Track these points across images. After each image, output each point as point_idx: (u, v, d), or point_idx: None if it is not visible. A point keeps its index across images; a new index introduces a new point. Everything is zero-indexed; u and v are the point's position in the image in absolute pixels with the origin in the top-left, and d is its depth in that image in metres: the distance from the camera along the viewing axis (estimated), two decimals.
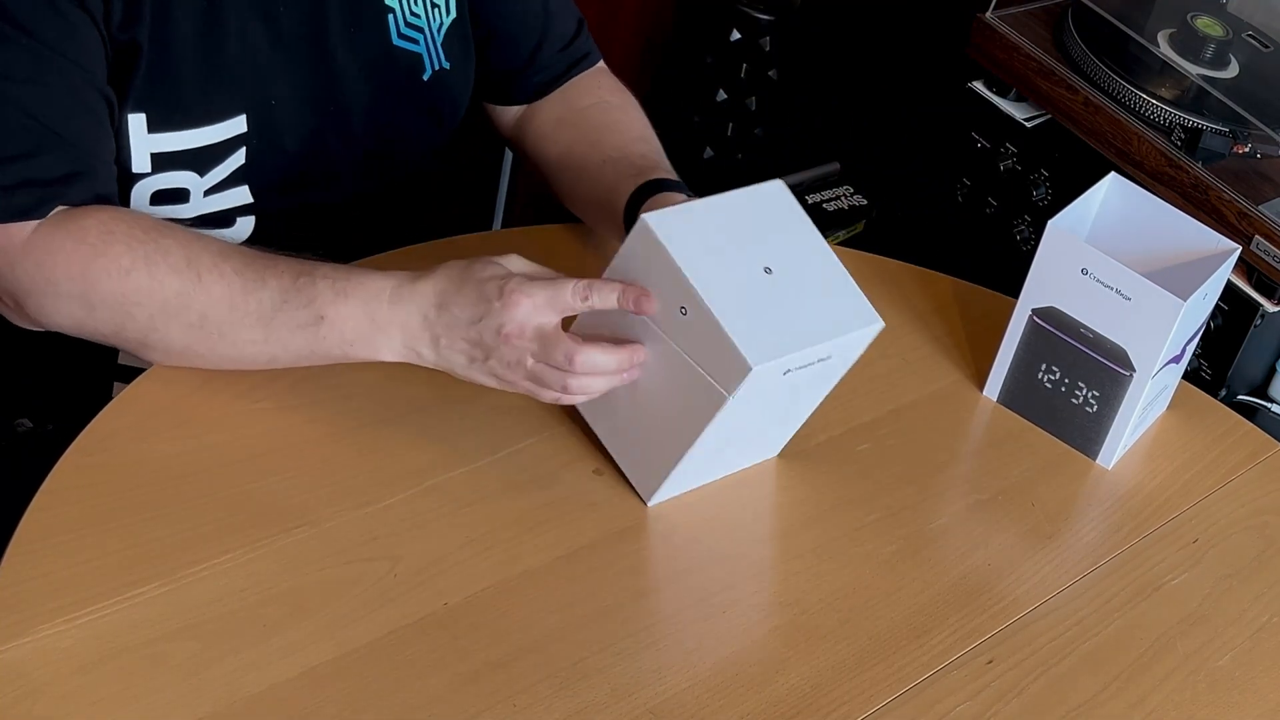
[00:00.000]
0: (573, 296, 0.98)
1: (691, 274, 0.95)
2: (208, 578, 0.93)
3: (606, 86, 1.30)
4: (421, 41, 1.19)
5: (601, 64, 1.32)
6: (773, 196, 1.02)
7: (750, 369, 0.93)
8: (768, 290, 0.97)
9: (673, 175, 1.17)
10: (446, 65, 1.22)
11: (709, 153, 2.36)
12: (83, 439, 1.00)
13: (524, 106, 1.30)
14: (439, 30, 1.21)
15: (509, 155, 1.77)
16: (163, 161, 1.07)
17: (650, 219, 0.95)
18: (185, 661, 0.89)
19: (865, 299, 1.01)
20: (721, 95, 2.32)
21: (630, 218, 1.13)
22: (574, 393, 1.00)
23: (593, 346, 0.98)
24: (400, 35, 1.18)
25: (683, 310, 0.96)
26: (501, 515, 1.02)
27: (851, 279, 1.01)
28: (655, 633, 0.97)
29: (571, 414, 1.10)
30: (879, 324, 1.01)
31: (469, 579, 0.97)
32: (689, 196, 1.13)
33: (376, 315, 1.00)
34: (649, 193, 1.13)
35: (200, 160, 1.09)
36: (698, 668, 0.95)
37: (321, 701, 0.88)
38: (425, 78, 1.21)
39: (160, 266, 0.99)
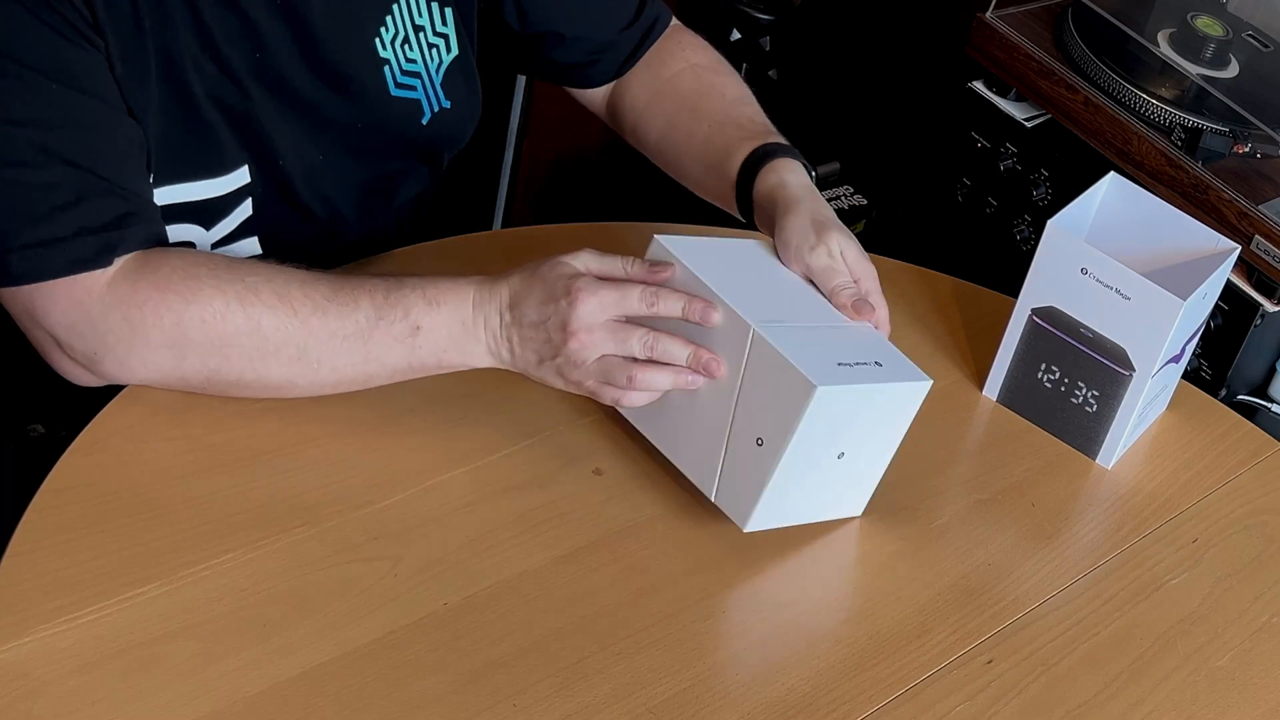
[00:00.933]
0: (640, 301, 0.99)
1: (793, 447, 0.96)
2: (208, 578, 0.93)
3: (690, 46, 1.28)
4: (419, 86, 1.18)
5: (676, 23, 1.30)
6: (914, 394, 1.02)
7: (743, 528, 1.00)
8: (822, 474, 1.01)
9: (781, 139, 1.16)
10: (446, 105, 1.20)
11: None
12: (83, 439, 1.00)
13: (610, 85, 1.29)
14: (438, 70, 1.19)
15: (509, 155, 1.77)
16: (168, 214, 1.06)
17: (821, 393, 0.94)
18: (185, 661, 0.89)
19: (874, 488, 1.06)
20: None
21: (744, 187, 1.14)
22: (639, 387, 1.00)
23: (668, 336, 0.99)
24: (397, 85, 1.16)
25: (759, 441, 0.97)
26: (501, 515, 1.02)
27: (882, 472, 1.06)
28: (655, 633, 0.97)
29: (572, 415, 1.10)
30: (859, 513, 1.07)
31: (469, 579, 0.97)
32: (801, 162, 1.14)
33: (465, 320, 1.01)
34: (762, 160, 1.13)
35: (205, 213, 1.08)
36: (698, 668, 0.95)
37: (322, 701, 0.88)
38: (424, 121, 1.19)
39: (255, 306, 0.98)
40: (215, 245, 1.11)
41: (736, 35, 2.27)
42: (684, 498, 1.06)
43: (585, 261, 1.01)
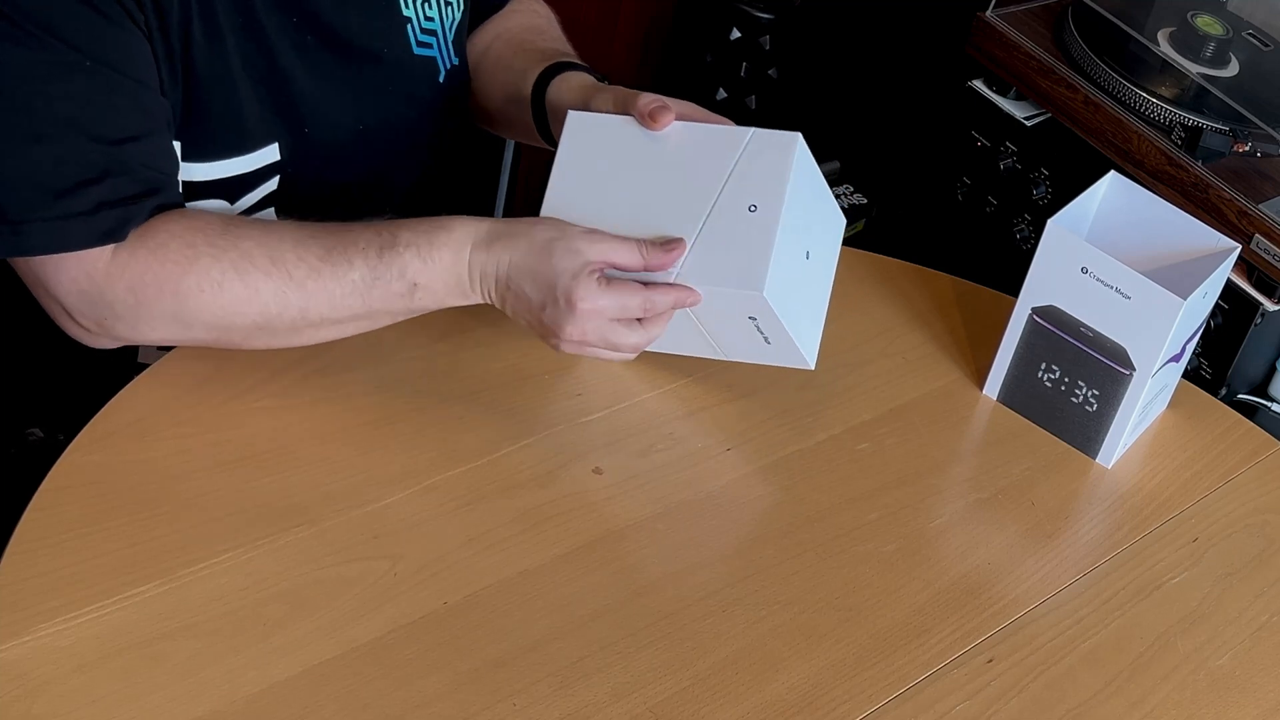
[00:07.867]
0: (639, 309, 1.01)
1: (787, 204, 1.02)
2: (208, 577, 0.93)
3: (541, 8, 1.33)
4: (434, 44, 1.21)
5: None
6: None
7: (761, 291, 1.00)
8: (800, 266, 1.05)
9: (580, 63, 1.19)
10: (456, 62, 1.24)
11: None
12: (82, 439, 1.00)
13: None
14: (451, 27, 1.22)
15: (509, 154, 1.77)
16: (195, 190, 1.07)
17: (800, 142, 1.03)
18: (185, 660, 0.89)
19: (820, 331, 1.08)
20: (721, 94, 2.32)
21: (538, 96, 1.17)
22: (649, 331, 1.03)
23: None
24: (418, 43, 1.19)
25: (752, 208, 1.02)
26: (501, 515, 1.02)
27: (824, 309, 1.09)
28: (655, 633, 0.97)
29: (572, 415, 1.10)
30: (812, 363, 1.08)
31: (469, 579, 0.98)
32: (594, 75, 1.16)
33: (461, 276, 1.02)
34: (555, 73, 1.17)
35: (231, 189, 1.10)
36: (698, 667, 0.95)
37: (321, 700, 0.88)
38: (441, 79, 1.22)
39: (251, 273, 0.99)
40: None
41: (736, 34, 2.27)
42: (684, 497, 1.06)
43: (601, 252, 1.01)
